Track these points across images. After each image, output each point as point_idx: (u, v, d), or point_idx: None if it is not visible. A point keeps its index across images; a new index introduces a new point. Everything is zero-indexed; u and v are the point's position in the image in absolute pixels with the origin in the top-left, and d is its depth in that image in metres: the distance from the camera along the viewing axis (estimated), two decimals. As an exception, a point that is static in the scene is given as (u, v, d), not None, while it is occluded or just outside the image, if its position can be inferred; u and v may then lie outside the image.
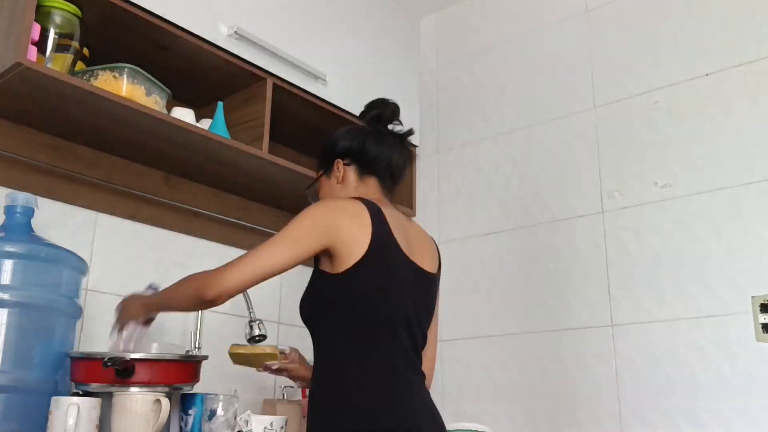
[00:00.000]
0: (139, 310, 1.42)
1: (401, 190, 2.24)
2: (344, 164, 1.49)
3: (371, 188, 1.49)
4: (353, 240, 1.32)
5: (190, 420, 1.50)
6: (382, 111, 1.53)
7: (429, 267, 1.47)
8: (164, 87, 1.61)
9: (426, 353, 1.47)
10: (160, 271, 1.84)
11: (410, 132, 1.55)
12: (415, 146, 2.28)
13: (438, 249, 1.56)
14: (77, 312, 1.42)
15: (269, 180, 1.91)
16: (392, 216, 1.41)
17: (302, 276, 2.19)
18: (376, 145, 1.49)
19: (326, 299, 1.34)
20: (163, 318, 1.82)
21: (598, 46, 2.17)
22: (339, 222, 1.32)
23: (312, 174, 1.75)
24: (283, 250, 1.28)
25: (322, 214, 1.33)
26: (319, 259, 1.37)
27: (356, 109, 2.00)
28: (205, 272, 1.29)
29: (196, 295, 1.25)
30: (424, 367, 1.44)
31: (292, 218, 1.33)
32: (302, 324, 1.40)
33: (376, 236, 1.33)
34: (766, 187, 1.78)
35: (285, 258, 1.28)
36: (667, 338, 1.84)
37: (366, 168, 1.49)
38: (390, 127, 1.54)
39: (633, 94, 2.06)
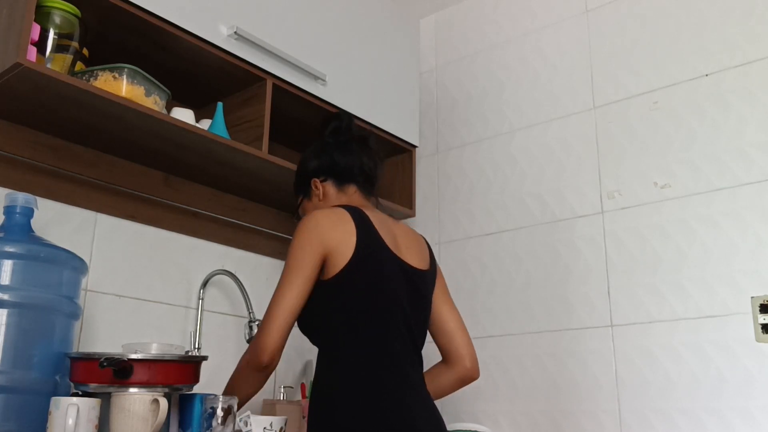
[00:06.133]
0: None
1: (401, 190, 2.24)
2: (321, 182, 1.54)
3: (352, 196, 1.54)
4: (341, 245, 1.35)
5: None
6: (338, 123, 1.59)
7: (419, 264, 1.48)
8: (164, 87, 1.61)
9: (461, 339, 1.53)
10: (160, 271, 1.84)
11: (369, 134, 1.60)
12: (414, 146, 2.28)
13: (429, 245, 1.58)
14: (77, 312, 1.42)
15: (269, 180, 1.91)
16: (376, 217, 1.44)
17: (302, 276, 2.20)
18: (343, 155, 1.54)
19: (319, 306, 1.36)
20: (163, 317, 1.82)
21: (598, 46, 2.17)
22: (325, 230, 1.36)
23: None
24: (294, 281, 1.32)
25: (310, 227, 1.37)
26: None
27: (356, 109, 2.01)
28: (248, 348, 1.35)
29: (253, 368, 1.31)
30: (465, 352, 1.51)
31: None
32: (301, 324, 1.41)
33: (361, 238, 1.36)
34: (766, 187, 1.78)
35: (300, 287, 1.32)
36: (667, 338, 1.84)
37: (341, 178, 1.54)
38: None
39: (633, 94, 2.06)
